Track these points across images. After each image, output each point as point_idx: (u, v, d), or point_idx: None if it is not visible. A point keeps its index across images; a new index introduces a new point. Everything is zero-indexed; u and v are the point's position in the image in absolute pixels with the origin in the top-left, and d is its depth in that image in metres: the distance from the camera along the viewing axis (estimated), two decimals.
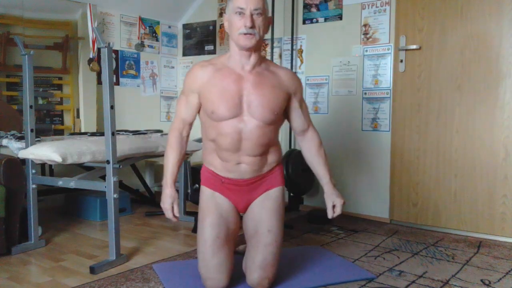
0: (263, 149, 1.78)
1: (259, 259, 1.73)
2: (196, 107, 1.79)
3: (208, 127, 1.77)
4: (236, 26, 1.65)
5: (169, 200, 1.77)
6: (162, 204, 1.79)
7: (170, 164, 1.81)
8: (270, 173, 1.85)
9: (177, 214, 1.78)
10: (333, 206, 1.87)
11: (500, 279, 1.99)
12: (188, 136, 1.87)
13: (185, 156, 1.88)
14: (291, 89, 1.81)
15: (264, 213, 1.81)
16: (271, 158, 1.84)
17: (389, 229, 2.87)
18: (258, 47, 1.72)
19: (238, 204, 1.84)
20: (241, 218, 1.90)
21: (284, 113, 1.85)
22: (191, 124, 1.85)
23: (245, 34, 1.63)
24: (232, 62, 1.73)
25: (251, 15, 1.63)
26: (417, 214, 2.92)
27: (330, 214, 1.87)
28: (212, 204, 1.81)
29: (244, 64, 1.72)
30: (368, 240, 2.60)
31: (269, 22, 1.74)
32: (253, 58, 1.72)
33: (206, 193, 1.84)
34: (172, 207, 1.77)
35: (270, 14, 1.68)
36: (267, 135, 1.75)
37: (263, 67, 1.76)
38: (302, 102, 1.89)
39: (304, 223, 2.97)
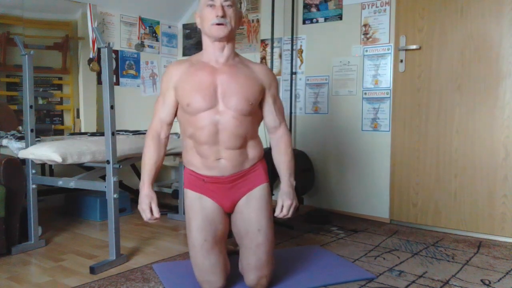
0: (241, 141, 1.74)
1: (253, 260, 1.73)
2: (173, 105, 1.78)
3: (185, 123, 1.76)
4: (208, 18, 1.68)
5: (146, 200, 1.73)
6: (139, 206, 1.74)
7: (147, 164, 1.79)
8: (252, 170, 1.81)
9: (156, 215, 1.72)
10: (282, 207, 1.79)
11: (500, 279, 1.99)
12: (167, 138, 1.84)
13: (163, 158, 1.86)
14: (266, 82, 1.79)
15: (252, 213, 1.78)
16: (252, 153, 1.81)
17: (389, 229, 2.87)
18: (230, 38, 1.74)
19: (223, 204, 1.80)
20: (229, 216, 1.86)
21: (260, 107, 1.83)
22: (169, 125, 1.82)
23: (217, 24, 1.66)
24: (206, 57, 1.76)
25: (222, 6, 1.66)
26: (417, 214, 2.92)
27: (276, 213, 1.79)
28: (197, 207, 1.77)
29: (218, 57, 1.74)
30: (368, 240, 2.60)
31: (240, 16, 1.77)
32: (227, 50, 1.74)
33: (190, 196, 1.80)
34: (151, 208, 1.72)
35: (240, 9, 1.75)
36: (244, 125, 1.73)
37: (237, 61, 1.78)
38: (276, 99, 1.86)
39: (304, 223, 2.97)
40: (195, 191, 1.79)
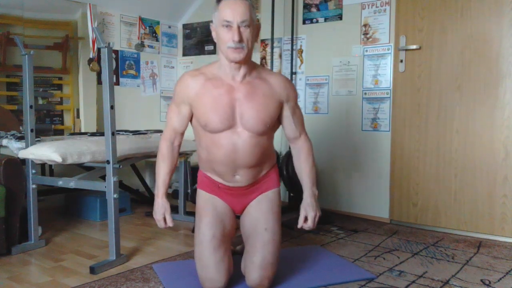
0: (258, 160, 1.77)
1: (258, 258, 1.73)
2: (187, 117, 1.78)
3: (202, 136, 1.77)
4: (224, 39, 1.61)
5: (161, 210, 1.78)
6: (154, 215, 1.79)
7: (162, 174, 1.80)
8: (265, 177, 1.87)
9: (170, 224, 1.78)
10: (305, 218, 1.81)
11: (500, 279, 1.99)
12: (179, 145, 1.85)
13: (176, 166, 1.88)
14: (283, 96, 1.76)
15: (261, 213, 1.82)
16: (266, 164, 1.85)
17: (389, 229, 2.87)
18: (248, 59, 1.69)
19: (234, 206, 1.86)
20: (237, 217, 1.91)
21: (278, 120, 1.83)
22: (182, 133, 1.84)
23: (233, 48, 1.60)
24: (222, 72, 1.71)
25: (238, 27, 1.59)
26: (417, 214, 2.92)
27: (299, 224, 1.82)
28: (209, 205, 1.82)
29: (235, 75, 1.69)
30: (368, 240, 2.60)
31: (258, 30, 1.71)
32: (243, 69, 1.70)
33: (203, 195, 1.86)
34: (164, 218, 1.78)
35: (257, 21, 1.68)
36: (261, 144, 1.75)
37: (254, 76, 1.73)
38: (295, 109, 1.84)
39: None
40: (209, 192, 1.85)
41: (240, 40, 1.59)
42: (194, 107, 1.72)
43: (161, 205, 1.78)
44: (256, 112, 1.68)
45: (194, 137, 1.84)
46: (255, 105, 1.68)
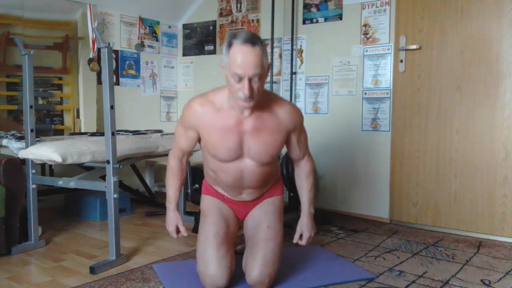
0: (264, 182, 1.87)
1: (259, 255, 1.75)
2: (195, 140, 1.82)
3: (210, 159, 1.81)
4: (234, 88, 1.57)
5: (173, 222, 1.87)
6: (167, 227, 1.89)
7: (172, 189, 1.89)
8: (270, 189, 1.96)
9: (184, 234, 1.87)
10: (300, 235, 1.91)
11: (500, 279, 1.99)
12: (187, 160, 1.93)
13: (185, 179, 1.97)
14: (291, 127, 1.78)
15: (264, 213, 1.89)
16: (271, 180, 1.93)
17: (389, 229, 2.87)
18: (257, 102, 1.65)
19: (238, 213, 1.95)
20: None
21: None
22: (190, 153, 1.90)
23: (243, 99, 1.57)
24: (230, 103, 1.67)
25: (250, 80, 1.54)
26: (417, 214, 2.92)
27: (295, 240, 1.92)
28: (213, 207, 1.90)
29: (244, 110, 1.66)
30: (368, 240, 2.60)
31: (268, 70, 1.64)
32: (252, 107, 1.66)
33: (208, 199, 1.95)
34: (177, 229, 1.87)
35: (269, 61, 1.62)
36: (267, 169, 1.82)
37: (263, 108, 1.70)
38: (300, 135, 1.86)
39: None
40: (214, 197, 1.94)
41: (251, 94, 1.55)
42: (202, 136, 1.76)
43: (173, 218, 1.87)
44: (263, 147, 1.72)
45: (202, 154, 1.89)
46: (263, 140, 1.71)
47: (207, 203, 1.93)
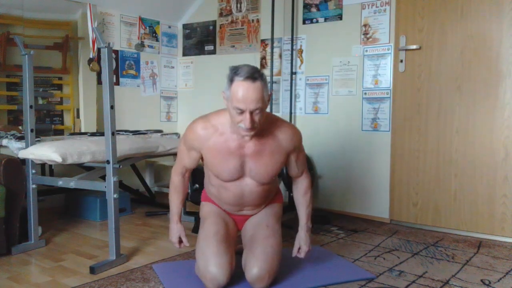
0: (264, 199, 1.95)
1: (259, 251, 1.77)
2: (197, 159, 1.89)
3: (212, 177, 1.88)
4: (236, 119, 1.63)
5: (176, 234, 1.93)
6: (170, 238, 1.95)
7: (176, 203, 1.95)
8: (270, 200, 2.03)
9: (186, 244, 1.93)
10: (299, 249, 1.95)
11: (500, 279, 1.99)
12: (189, 175, 1.98)
13: (187, 192, 2.05)
14: (290, 149, 1.85)
15: (263, 215, 1.96)
16: (270, 196, 2.00)
17: (389, 229, 2.87)
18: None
19: (237, 223, 2.00)
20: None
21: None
22: (192, 169, 1.95)
23: (244, 129, 1.63)
24: (232, 129, 1.73)
25: (251, 113, 1.60)
26: (417, 214, 2.92)
27: (293, 254, 1.96)
28: (213, 211, 1.95)
29: (245, 135, 1.70)
30: (368, 240, 2.60)
31: (268, 100, 1.68)
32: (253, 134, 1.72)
33: (208, 205, 2.00)
34: (180, 240, 1.93)
35: (269, 92, 1.69)
36: (267, 189, 1.90)
37: (264, 132, 1.76)
38: (299, 155, 1.92)
39: None
40: (214, 204, 2.00)
41: (252, 126, 1.61)
42: (205, 156, 1.83)
43: (176, 230, 1.93)
44: (264, 168, 1.79)
45: (204, 170, 1.96)
46: (263, 162, 1.79)
47: (207, 208, 1.99)
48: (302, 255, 1.94)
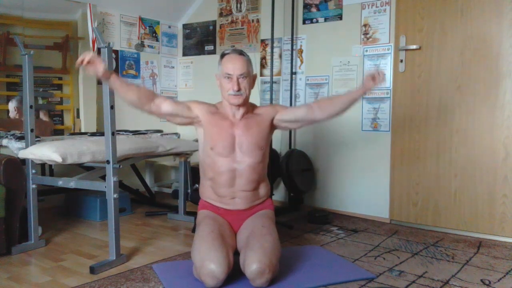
0: (255, 185, 2.04)
1: (257, 245, 1.78)
2: (185, 115, 2.00)
3: (207, 168, 2.04)
4: (226, 87, 1.96)
5: (95, 55, 1.79)
6: (85, 55, 1.76)
7: (133, 85, 1.96)
8: (261, 204, 2.10)
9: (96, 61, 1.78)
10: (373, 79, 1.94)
11: (500, 279, 1.99)
12: (155, 106, 1.94)
13: (138, 96, 1.92)
14: (271, 113, 2.07)
15: (258, 218, 2.02)
16: (262, 192, 2.10)
17: (389, 229, 2.87)
18: (245, 102, 2.00)
19: (233, 225, 2.04)
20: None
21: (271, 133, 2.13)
22: (166, 112, 1.97)
23: (233, 95, 1.94)
24: (225, 110, 2.04)
25: (237, 79, 1.93)
26: (417, 214, 2.92)
27: (368, 81, 1.96)
28: (208, 216, 2.02)
29: (235, 113, 2.01)
30: (368, 240, 2.60)
31: (254, 79, 2.03)
32: (242, 109, 2.01)
33: (204, 212, 2.06)
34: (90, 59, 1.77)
35: (254, 72, 2.06)
36: (257, 171, 2.03)
37: (250, 114, 2.06)
38: (285, 107, 2.16)
39: (304, 223, 2.97)
40: (209, 210, 2.07)
41: (239, 89, 1.93)
42: (205, 128, 2.02)
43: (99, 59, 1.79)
44: (252, 139, 2.00)
45: (200, 170, 2.11)
46: (251, 134, 2.00)
47: (202, 214, 2.05)
48: (381, 75, 1.92)
